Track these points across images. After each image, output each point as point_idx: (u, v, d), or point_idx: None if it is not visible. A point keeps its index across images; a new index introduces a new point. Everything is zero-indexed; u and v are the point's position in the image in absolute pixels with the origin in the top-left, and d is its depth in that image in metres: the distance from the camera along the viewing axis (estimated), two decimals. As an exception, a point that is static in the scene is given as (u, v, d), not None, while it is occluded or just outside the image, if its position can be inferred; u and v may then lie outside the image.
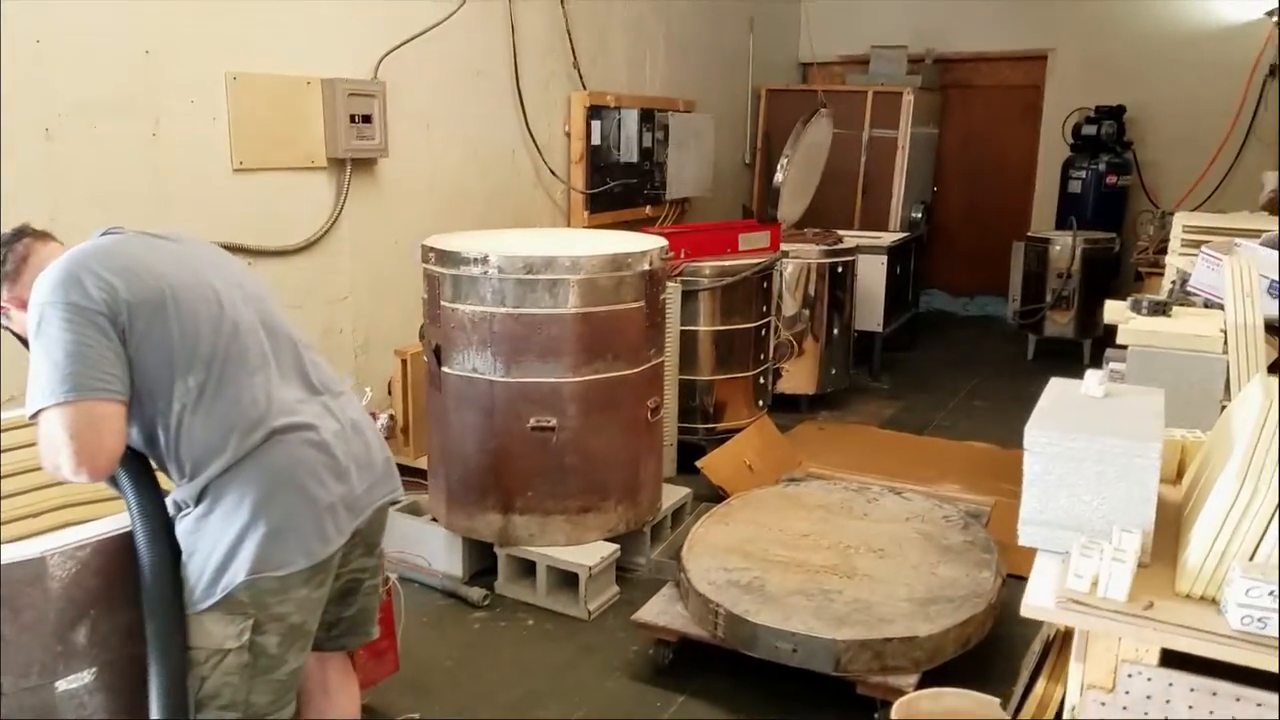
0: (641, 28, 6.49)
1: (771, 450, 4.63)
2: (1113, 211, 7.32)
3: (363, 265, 4.61)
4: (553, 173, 5.65)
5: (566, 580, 3.41)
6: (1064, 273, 6.63)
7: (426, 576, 3.58)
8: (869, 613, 2.77)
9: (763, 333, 4.89)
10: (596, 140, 5.79)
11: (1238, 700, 1.30)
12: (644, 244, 3.54)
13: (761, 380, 4.96)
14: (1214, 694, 1.31)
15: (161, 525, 1.80)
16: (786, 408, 5.53)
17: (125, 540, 1.82)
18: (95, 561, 1.81)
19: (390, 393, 4.46)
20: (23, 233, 1.93)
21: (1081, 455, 1.47)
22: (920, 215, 7.72)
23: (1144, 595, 1.37)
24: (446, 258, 3.36)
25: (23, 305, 1.83)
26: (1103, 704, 1.37)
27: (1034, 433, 1.52)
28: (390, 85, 4.48)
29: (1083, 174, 7.35)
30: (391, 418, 4.32)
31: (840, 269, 5.62)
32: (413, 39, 4.61)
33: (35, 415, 1.70)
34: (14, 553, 1.76)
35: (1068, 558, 1.43)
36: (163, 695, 1.78)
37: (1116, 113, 7.28)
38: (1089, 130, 7.29)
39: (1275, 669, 1.25)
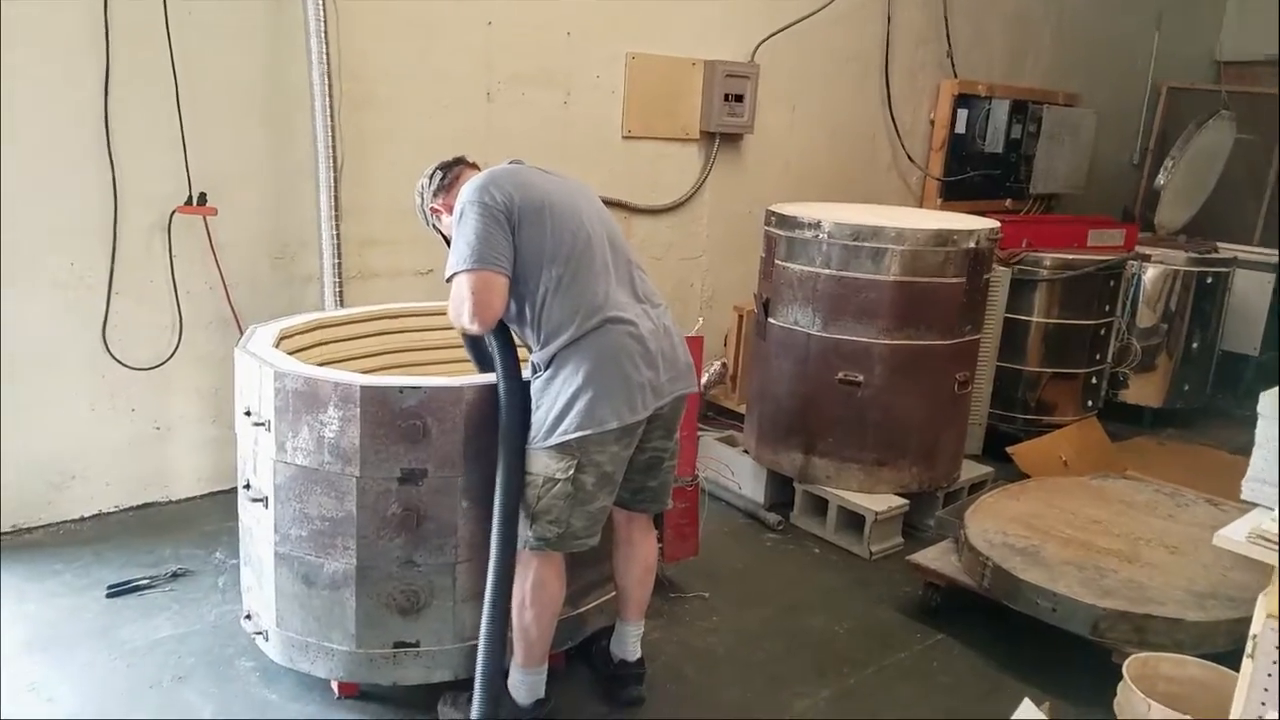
0: (1027, 19, 6.46)
1: (1092, 452, 4.57)
2: None
3: (717, 229, 5.22)
4: (910, 158, 5.88)
5: (854, 522, 3.77)
6: None
7: (732, 497, 4.11)
8: (1139, 592, 2.85)
9: (1102, 332, 4.81)
10: (961, 129, 5.92)
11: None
12: (972, 224, 3.75)
13: (1094, 381, 4.88)
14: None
15: (517, 382, 2.43)
16: (1126, 418, 5.35)
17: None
18: (483, 396, 2.48)
19: (725, 344, 5.04)
20: (461, 161, 2.69)
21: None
22: (1340, 238, 6.83)
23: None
24: (785, 221, 3.83)
25: (449, 210, 2.52)
26: (1275, 631, 1.51)
27: (1268, 400, 1.66)
28: (763, 68, 5.02)
29: None
30: (724, 365, 4.84)
31: (1210, 280, 5.28)
32: (790, 26, 5.10)
33: (450, 279, 2.35)
34: (443, 382, 2.52)
35: (1275, 510, 1.58)
36: (503, 495, 2.39)
37: None
38: None
39: None
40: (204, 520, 3.71)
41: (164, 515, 3.77)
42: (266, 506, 2.60)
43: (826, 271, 3.67)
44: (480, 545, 2.51)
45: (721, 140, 5.03)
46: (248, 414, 2.64)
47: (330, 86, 3.78)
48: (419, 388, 2.47)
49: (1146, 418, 5.40)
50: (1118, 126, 7.33)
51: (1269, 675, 1.57)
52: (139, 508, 3.78)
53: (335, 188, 3.88)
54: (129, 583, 3.22)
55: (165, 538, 3.56)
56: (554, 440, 2.35)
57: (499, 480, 2.41)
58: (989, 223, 3.80)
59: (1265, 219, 6.90)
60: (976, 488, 4.09)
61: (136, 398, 3.71)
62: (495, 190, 2.38)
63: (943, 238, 3.60)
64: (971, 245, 3.65)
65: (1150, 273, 5.21)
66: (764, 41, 5.05)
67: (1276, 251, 6.08)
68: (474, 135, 4.26)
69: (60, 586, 3.19)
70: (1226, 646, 2.72)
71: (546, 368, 2.39)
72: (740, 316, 4.76)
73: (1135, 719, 2.25)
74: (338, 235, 3.94)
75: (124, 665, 2.79)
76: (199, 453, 3.90)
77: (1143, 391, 5.35)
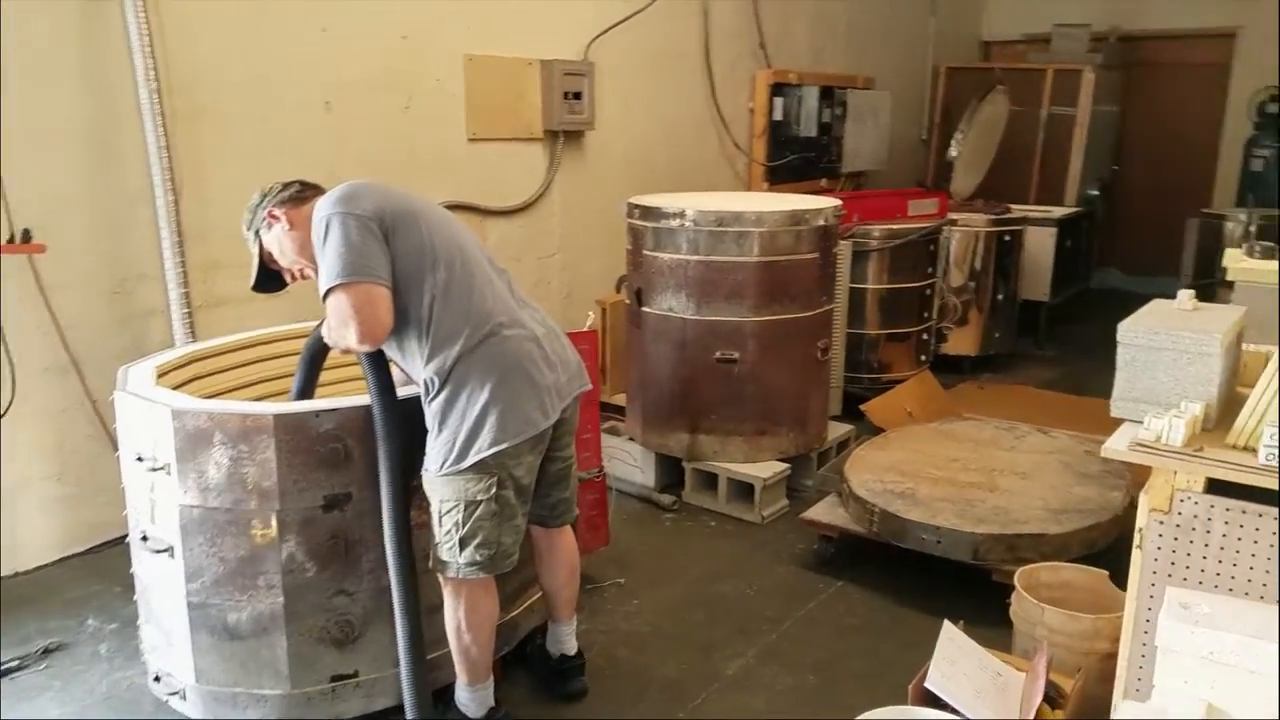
0: (825, 9, 6.92)
1: (931, 401, 5.03)
2: (1296, 190, 7.19)
3: (569, 226, 5.31)
4: (736, 146, 6.20)
5: (743, 491, 3.98)
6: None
7: (625, 485, 4.23)
8: (1006, 516, 3.20)
9: (927, 293, 5.29)
10: (778, 116, 6.30)
11: (1260, 515, 1.71)
12: (820, 203, 4.04)
13: (924, 337, 5.36)
14: (1243, 511, 1.72)
15: (395, 402, 2.35)
16: (949, 369, 5.88)
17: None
18: (404, 408, 2.40)
19: (590, 337, 5.15)
20: (312, 186, 2.50)
21: (1161, 345, 1.89)
22: (1098, 193, 7.78)
23: (1198, 444, 1.81)
24: (649, 213, 3.98)
25: (291, 223, 2.37)
26: (1160, 523, 1.80)
27: (1126, 329, 1.96)
28: (597, 66, 5.15)
29: (1266, 152, 7.28)
30: (592, 357, 4.98)
31: (1007, 238, 5.90)
32: (619, 24, 5.26)
33: (325, 296, 2.19)
34: (361, 400, 2.44)
35: (1143, 423, 1.87)
36: (392, 522, 2.35)
37: (1304, 90, 7.14)
38: (1273, 108, 7.21)
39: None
40: (64, 588, 3.45)
41: (17, 588, 3.45)
42: (173, 556, 2.46)
43: (695, 258, 3.84)
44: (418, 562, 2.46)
45: (565, 138, 5.11)
46: (140, 460, 2.49)
47: (161, 104, 3.58)
48: (335, 409, 2.41)
49: (966, 366, 5.97)
50: (906, 106, 7.98)
51: (1154, 560, 1.87)
52: (-15, 584, 3.44)
53: (176, 211, 3.69)
54: (-5, 667, 2.91)
55: (24, 612, 3.26)
56: (470, 461, 2.27)
57: (386, 508, 2.35)
58: (833, 201, 4.11)
59: (1039, 179, 7.72)
60: (842, 446, 4.41)
61: (-32, 461, 3.37)
62: (362, 199, 2.26)
63: (796, 218, 3.86)
64: (821, 223, 3.93)
65: (957, 237, 5.75)
66: (595, 39, 5.17)
67: (1054, 209, 6.88)
68: (316, 145, 4.14)
69: (-85, 682, 2.85)
70: (1082, 551, 3.13)
71: (444, 385, 2.29)
72: (604, 310, 4.87)
73: (1032, 622, 2.55)
74: (183, 262, 3.74)
75: (18, 754, 2.55)
76: (46, 515, 3.60)
77: (961, 343, 5.91)
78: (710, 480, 4.05)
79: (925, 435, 4.03)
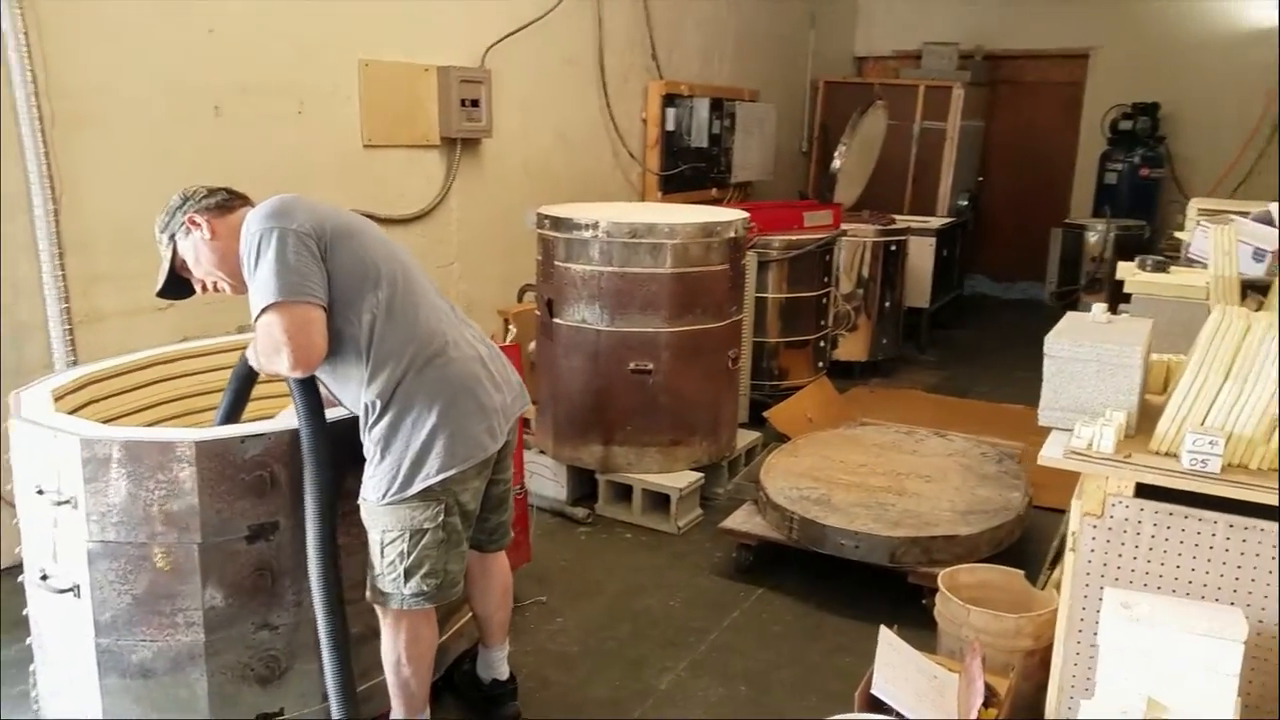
0: (714, 22, 7.06)
1: (830, 406, 5.19)
2: (1146, 201, 7.81)
3: (468, 235, 5.23)
4: (631, 155, 6.24)
5: (658, 502, 4.01)
6: (1097, 257, 7.11)
7: (536, 499, 4.19)
8: (918, 519, 3.34)
9: (824, 301, 5.46)
10: (671, 126, 6.37)
11: (1185, 518, 1.86)
12: (729, 215, 4.12)
13: (821, 344, 5.53)
14: (1170, 514, 1.87)
15: (321, 422, 2.23)
16: (841, 374, 6.07)
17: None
18: (335, 431, 2.31)
19: (493, 347, 5.07)
20: (239, 195, 2.37)
21: (1085, 357, 2.03)
22: (966, 203, 8.18)
23: (1125, 450, 1.94)
24: (561, 223, 3.96)
25: (212, 232, 2.23)
26: (1094, 527, 1.93)
27: (1052, 341, 2.09)
28: (494, 73, 5.10)
29: (1119, 166, 7.85)
30: (495, 369, 4.91)
31: (893, 248, 6.15)
32: (516, 31, 5.23)
33: (258, 317, 2.09)
34: (288, 424, 2.33)
35: (1073, 431, 2.00)
36: (318, 554, 2.24)
37: (1151, 109, 7.77)
38: (1125, 125, 7.81)
39: (1210, 493, 1.82)
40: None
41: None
42: (78, 596, 2.30)
43: (609, 269, 3.85)
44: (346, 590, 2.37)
45: (463, 146, 5.03)
46: (40, 493, 2.31)
47: (39, 107, 3.35)
48: (262, 434, 2.30)
49: (856, 370, 6.19)
50: (790, 119, 8.22)
51: (1088, 561, 2.00)
52: None
53: (55, 221, 3.46)
54: None
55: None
56: (416, 488, 2.19)
57: (312, 538, 2.25)
58: (741, 213, 4.19)
59: (913, 191, 8.08)
60: (750, 453, 4.50)
61: None
62: (298, 214, 2.15)
63: (708, 229, 3.92)
64: (731, 235, 4.00)
65: (846, 246, 5.95)
66: (492, 46, 5.11)
67: (931, 219, 7.21)
68: (206, 151, 3.94)
69: None
70: (990, 551, 3.30)
71: (386, 408, 2.20)
72: (506, 321, 4.82)
73: (958, 623, 2.66)
74: (63, 275, 3.52)
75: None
76: (-89, 550, 3.31)
77: (851, 349, 6.12)
78: (624, 492, 4.06)
79: (832, 441, 4.16)
